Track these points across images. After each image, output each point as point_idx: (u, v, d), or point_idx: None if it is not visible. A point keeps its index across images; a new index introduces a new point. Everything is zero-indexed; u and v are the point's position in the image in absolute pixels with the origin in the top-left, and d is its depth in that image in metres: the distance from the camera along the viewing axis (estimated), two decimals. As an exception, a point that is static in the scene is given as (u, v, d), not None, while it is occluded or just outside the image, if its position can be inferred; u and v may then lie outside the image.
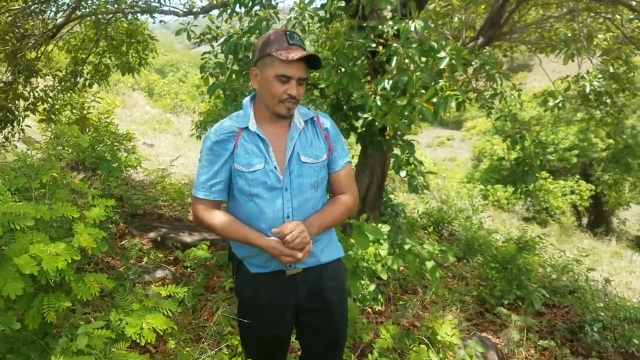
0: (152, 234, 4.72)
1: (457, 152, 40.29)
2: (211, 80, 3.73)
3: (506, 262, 5.04)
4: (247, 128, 1.85)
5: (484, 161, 19.20)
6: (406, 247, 4.07)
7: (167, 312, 1.99)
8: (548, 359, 3.94)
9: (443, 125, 52.53)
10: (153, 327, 1.83)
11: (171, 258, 4.40)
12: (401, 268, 4.68)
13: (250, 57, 3.50)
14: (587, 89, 4.40)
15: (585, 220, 19.20)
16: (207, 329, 3.19)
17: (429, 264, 3.90)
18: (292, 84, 1.76)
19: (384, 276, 3.82)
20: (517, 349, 3.91)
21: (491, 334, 4.22)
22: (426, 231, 7.39)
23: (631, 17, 5.19)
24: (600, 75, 4.43)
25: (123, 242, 4.49)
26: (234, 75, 3.53)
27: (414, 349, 3.14)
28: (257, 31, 3.18)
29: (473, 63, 3.40)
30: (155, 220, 5.39)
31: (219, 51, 3.64)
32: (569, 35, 4.98)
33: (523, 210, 17.11)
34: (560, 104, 4.36)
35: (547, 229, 14.35)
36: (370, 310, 3.95)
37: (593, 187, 16.96)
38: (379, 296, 4.07)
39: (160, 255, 4.42)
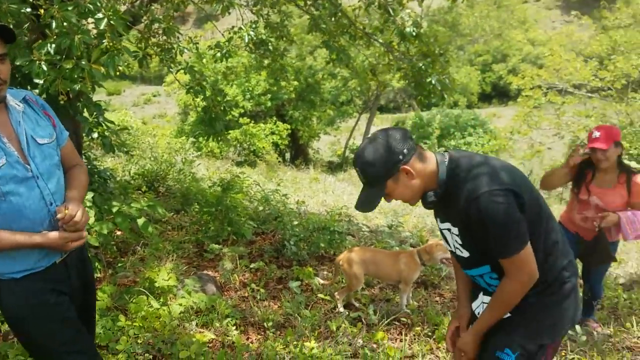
0: None
1: (165, 108, 39.72)
2: None
3: (216, 204, 5.51)
4: None
5: (191, 114, 19.65)
6: (114, 209, 4.08)
7: None
8: (260, 277, 4.59)
9: (146, 82, 50.78)
10: None
11: None
12: (116, 231, 4.68)
13: None
14: (246, 39, 5.03)
15: (287, 156, 21.76)
16: None
17: (140, 221, 4.02)
18: None
19: (96, 243, 3.79)
20: (232, 276, 4.44)
21: (210, 269, 4.66)
22: (141, 191, 7.38)
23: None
24: (254, 26, 5.09)
25: None
26: None
27: (134, 301, 3.29)
28: None
29: (143, 20, 3.51)
30: None
31: None
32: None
33: (235, 155, 18.36)
34: (227, 54, 4.88)
35: (256, 169, 15.81)
36: (88, 280, 3.89)
37: (288, 126, 19.24)
38: (97, 264, 4.03)
39: None
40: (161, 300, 3.47)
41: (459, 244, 1.80)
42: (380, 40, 5.28)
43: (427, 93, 4.97)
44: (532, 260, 1.66)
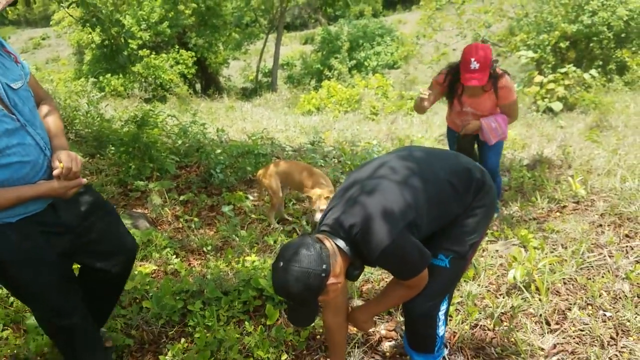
0: None
1: (57, 51, 36.22)
2: None
3: (133, 142, 5.33)
4: None
5: (87, 53, 18.16)
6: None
7: None
8: (191, 208, 4.62)
9: (32, 24, 45.60)
10: None
11: None
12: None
13: None
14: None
15: (198, 87, 20.90)
16: None
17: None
18: None
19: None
20: (162, 210, 4.43)
21: (139, 207, 4.61)
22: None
23: None
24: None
25: None
26: None
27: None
28: None
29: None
30: None
31: None
32: None
33: (142, 92, 17.41)
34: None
35: (167, 104, 15.17)
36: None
37: (193, 53, 18.26)
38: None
39: None
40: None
41: None
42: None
43: (331, 1, 4.91)
44: (427, 272, 1.81)
